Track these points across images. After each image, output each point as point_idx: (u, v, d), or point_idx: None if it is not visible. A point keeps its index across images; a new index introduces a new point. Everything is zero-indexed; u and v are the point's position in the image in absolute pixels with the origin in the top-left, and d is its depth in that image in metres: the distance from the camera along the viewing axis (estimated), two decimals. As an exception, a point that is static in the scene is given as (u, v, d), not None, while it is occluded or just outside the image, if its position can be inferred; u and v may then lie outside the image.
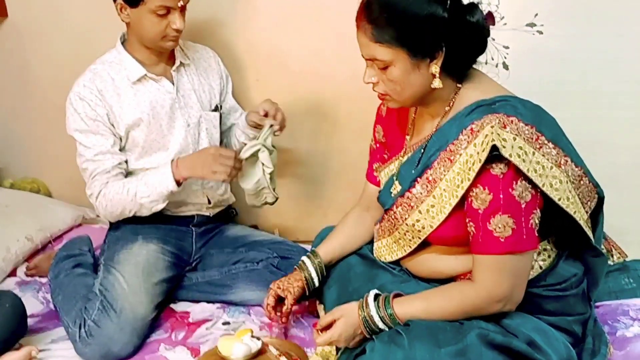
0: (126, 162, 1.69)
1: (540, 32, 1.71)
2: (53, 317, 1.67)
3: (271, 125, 1.65)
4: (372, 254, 1.42)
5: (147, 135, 1.68)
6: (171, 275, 1.68)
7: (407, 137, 1.33)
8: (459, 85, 1.20)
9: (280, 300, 1.45)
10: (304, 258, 1.47)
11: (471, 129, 1.11)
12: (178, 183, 1.60)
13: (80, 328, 1.51)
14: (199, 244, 1.80)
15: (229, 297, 1.70)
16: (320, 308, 1.52)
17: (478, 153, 1.08)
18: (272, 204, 1.73)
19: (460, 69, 1.19)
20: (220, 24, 2.04)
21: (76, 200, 2.31)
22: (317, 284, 1.45)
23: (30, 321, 1.58)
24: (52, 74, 2.26)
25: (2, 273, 1.86)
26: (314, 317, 1.61)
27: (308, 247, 1.70)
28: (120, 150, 1.69)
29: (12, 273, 1.91)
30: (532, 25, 1.71)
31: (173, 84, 1.72)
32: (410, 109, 1.33)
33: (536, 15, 1.70)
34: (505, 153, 1.06)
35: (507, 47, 1.74)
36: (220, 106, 1.85)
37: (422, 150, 1.24)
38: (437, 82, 1.14)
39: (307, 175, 2.15)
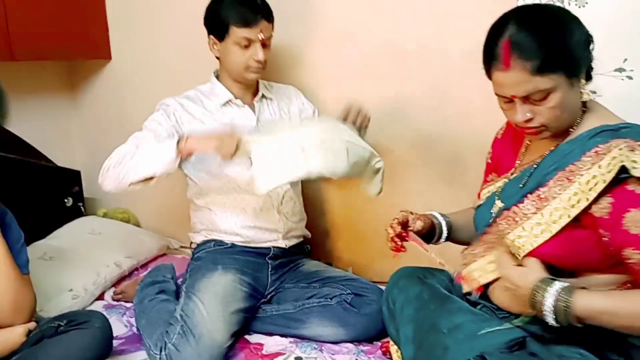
0: None
1: (630, 78, 1.66)
2: (135, 340, 1.74)
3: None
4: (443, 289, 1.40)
5: None
6: (247, 306, 1.72)
7: (518, 162, 1.34)
8: (584, 109, 1.22)
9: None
10: (431, 212, 1.47)
11: (596, 151, 1.11)
12: (179, 154, 1.57)
13: (160, 351, 1.57)
14: (274, 277, 1.84)
15: (302, 332, 1.71)
16: (393, 350, 1.50)
17: (602, 174, 1.08)
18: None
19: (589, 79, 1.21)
20: (308, 69, 2.14)
21: (162, 231, 2.44)
22: (444, 236, 1.45)
23: (114, 343, 1.64)
24: (147, 113, 2.42)
25: (92, 296, 1.98)
26: (387, 359, 1.59)
27: (382, 286, 1.69)
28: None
29: (100, 297, 2.02)
30: (620, 70, 1.67)
31: (255, 113, 1.83)
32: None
33: (625, 60, 1.66)
34: (636, 173, 1.05)
35: (594, 92, 1.70)
36: None
37: (533, 169, 1.24)
38: (586, 95, 1.17)
39: (384, 218, 2.14)
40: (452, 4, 1.86)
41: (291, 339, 1.72)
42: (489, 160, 1.47)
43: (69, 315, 1.53)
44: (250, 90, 1.87)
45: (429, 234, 1.45)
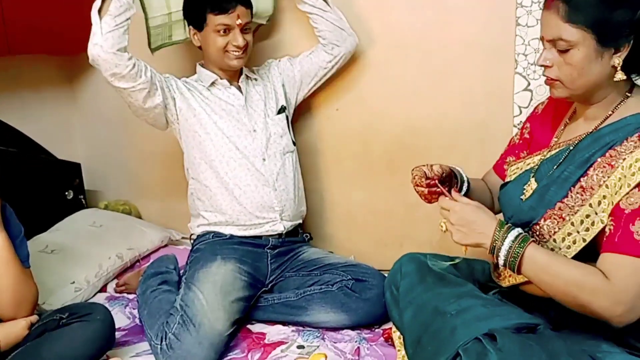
0: (151, 77, 1.76)
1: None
2: (138, 331, 1.75)
3: None
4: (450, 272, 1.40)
5: (215, 134, 1.82)
6: (247, 295, 1.73)
7: (555, 139, 1.31)
8: (628, 94, 1.18)
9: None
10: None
11: (639, 135, 1.10)
12: None
13: (161, 341, 1.58)
14: (274, 266, 1.85)
15: (304, 319, 1.72)
16: (395, 336, 1.51)
17: None
18: None
19: (636, 70, 1.16)
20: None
21: (163, 223, 2.44)
22: (465, 186, 1.39)
23: (117, 334, 1.65)
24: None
25: (94, 288, 1.98)
26: (389, 345, 1.60)
27: (384, 272, 1.70)
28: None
29: (103, 289, 2.03)
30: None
31: (242, 93, 1.87)
32: (568, 111, 1.32)
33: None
34: None
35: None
36: (285, 107, 1.95)
37: (570, 150, 1.22)
38: (620, 75, 1.11)
39: (384, 207, 2.15)
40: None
41: (293, 328, 1.72)
42: (527, 136, 1.42)
43: (71, 308, 1.54)
44: (235, 75, 1.90)
45: (449, 181, 1.39)
